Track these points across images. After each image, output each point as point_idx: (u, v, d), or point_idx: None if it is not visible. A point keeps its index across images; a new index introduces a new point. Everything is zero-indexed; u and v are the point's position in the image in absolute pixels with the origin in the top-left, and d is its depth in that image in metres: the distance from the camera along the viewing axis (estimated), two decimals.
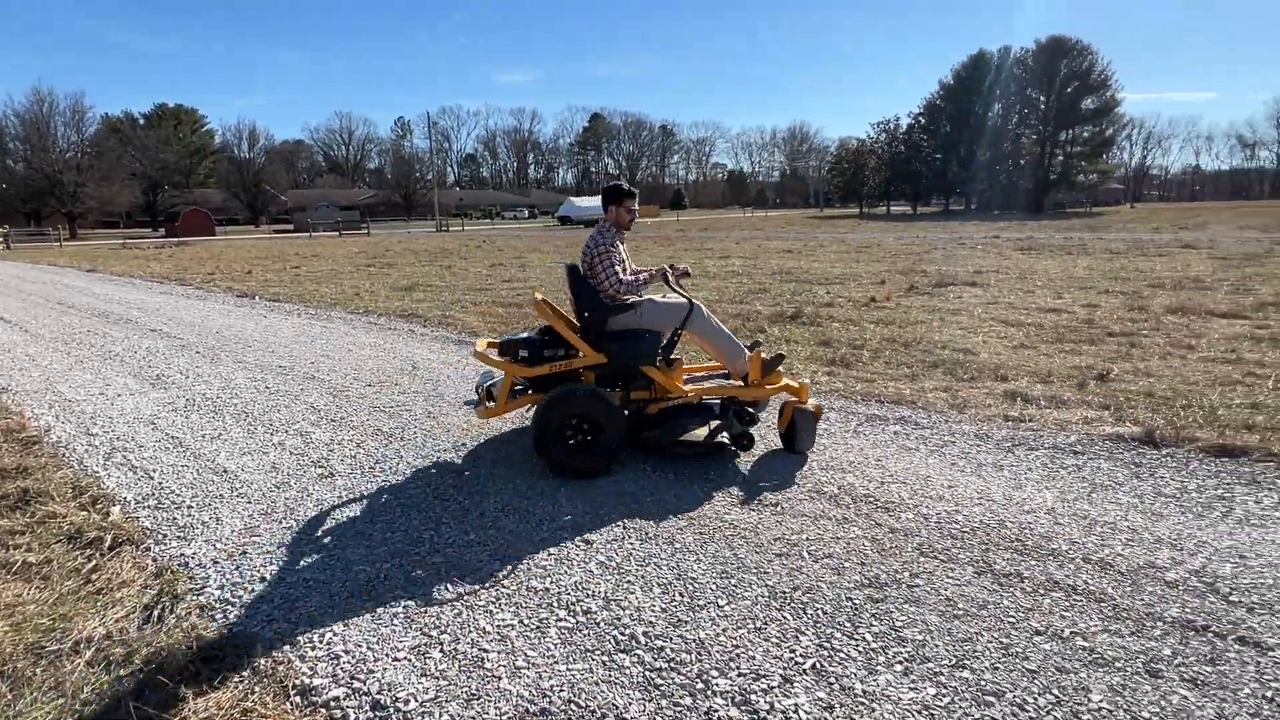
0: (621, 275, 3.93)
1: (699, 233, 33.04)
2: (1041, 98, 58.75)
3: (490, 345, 4.22)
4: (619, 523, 3.19)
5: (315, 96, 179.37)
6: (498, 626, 2.43)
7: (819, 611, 2.45)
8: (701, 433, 3.86)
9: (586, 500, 3.44)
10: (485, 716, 2.01)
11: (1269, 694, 1.99)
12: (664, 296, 4.18)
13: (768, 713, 1.98)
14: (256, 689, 2.15)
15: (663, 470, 3.78)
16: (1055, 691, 2.02)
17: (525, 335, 4.04)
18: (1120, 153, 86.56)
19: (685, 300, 3.97)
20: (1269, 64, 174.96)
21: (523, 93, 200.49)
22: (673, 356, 4.00)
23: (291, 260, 21.57)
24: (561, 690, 2.10)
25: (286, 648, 2.35)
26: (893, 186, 66.03)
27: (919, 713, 1.96)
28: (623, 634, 2.37)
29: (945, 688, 2.05)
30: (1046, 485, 3.48)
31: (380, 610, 2.55)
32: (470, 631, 2.40)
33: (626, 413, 3.95)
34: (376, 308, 10.74)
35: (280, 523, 3.30)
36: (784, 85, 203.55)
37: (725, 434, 3.85)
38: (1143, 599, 2.46)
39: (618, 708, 2.03)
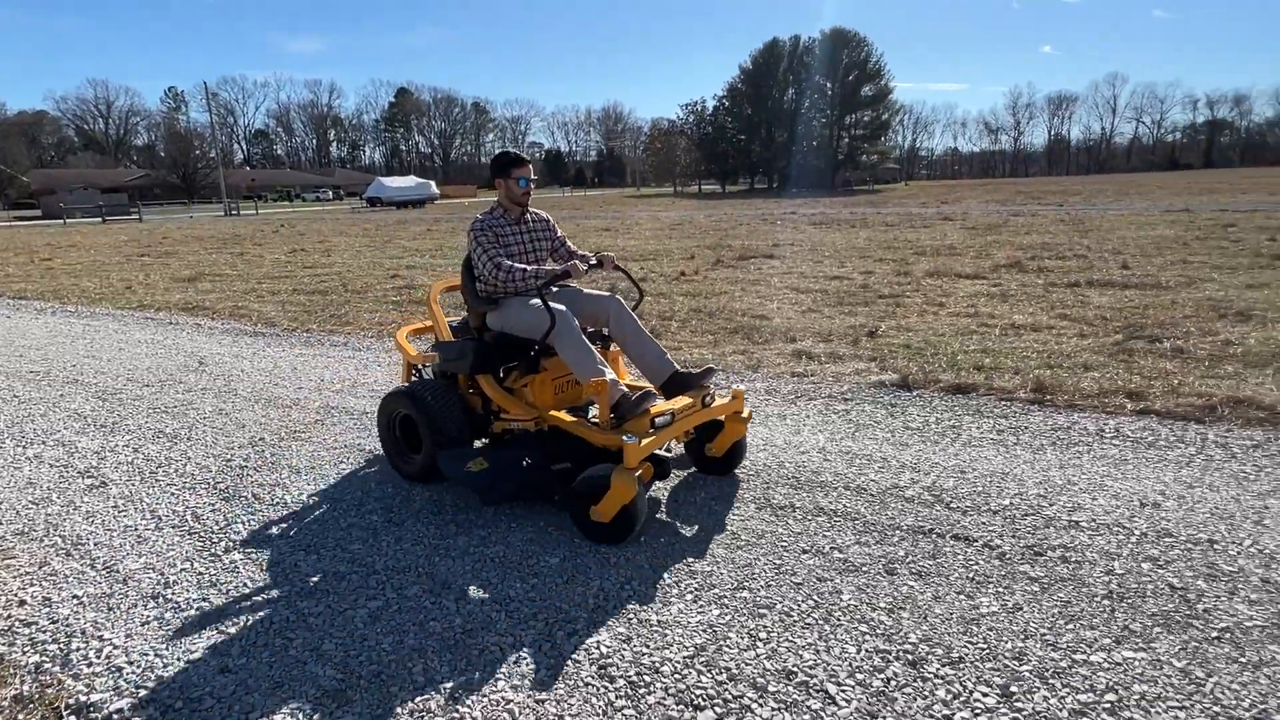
0: (501, 261, 3.20)
1: None
2: (828, 84, 64.11)
3: (415, 331, 4.09)
4: (431, 501, 3.22)
5: (58, 60, 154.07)
6: (303, 615, 2.38)
7: (621, 559, 2.66)
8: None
9: (397, 483, 3.42)
10: (291, 699, 1.99)
11: (971, 575, 2.47)
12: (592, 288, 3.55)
13: (573, 651, 2.15)
14: (20, 715, 1.96)
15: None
16: (815, 597, 2.37)
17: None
18: (895, 136, 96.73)
19: (547, 310, 3.06)
20: (1006, 61, 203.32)
21: (317, 63, 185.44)
22: (543, 368, 3.26)
23: (41, 252, 18.61)
24: (370, 665, 2.13)
25: (57, 668, 2.16)
26: (704, 166, 69.14)
27: (704, 631, 2.22)
28: (433, 603, 2.42)
29: (727, 608, 2.34)
30: (820, 429, 3.97)
31: (169, 614, 2.40)
32: (274, 622, 2.34)
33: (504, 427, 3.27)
34: (153, 302, 9.63)
35: (42, 541, 2.96)
36: (597, 64, 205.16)
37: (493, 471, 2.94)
38: (887, 514, 2.92)
39: (429, 670, 2.09)
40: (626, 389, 3.02)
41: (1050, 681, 1.95)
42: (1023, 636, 2.14)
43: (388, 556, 2.75)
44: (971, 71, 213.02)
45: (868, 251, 12.76)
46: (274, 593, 2.52)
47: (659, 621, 2.28)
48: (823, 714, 1.87)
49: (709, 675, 2.02)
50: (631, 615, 2.32)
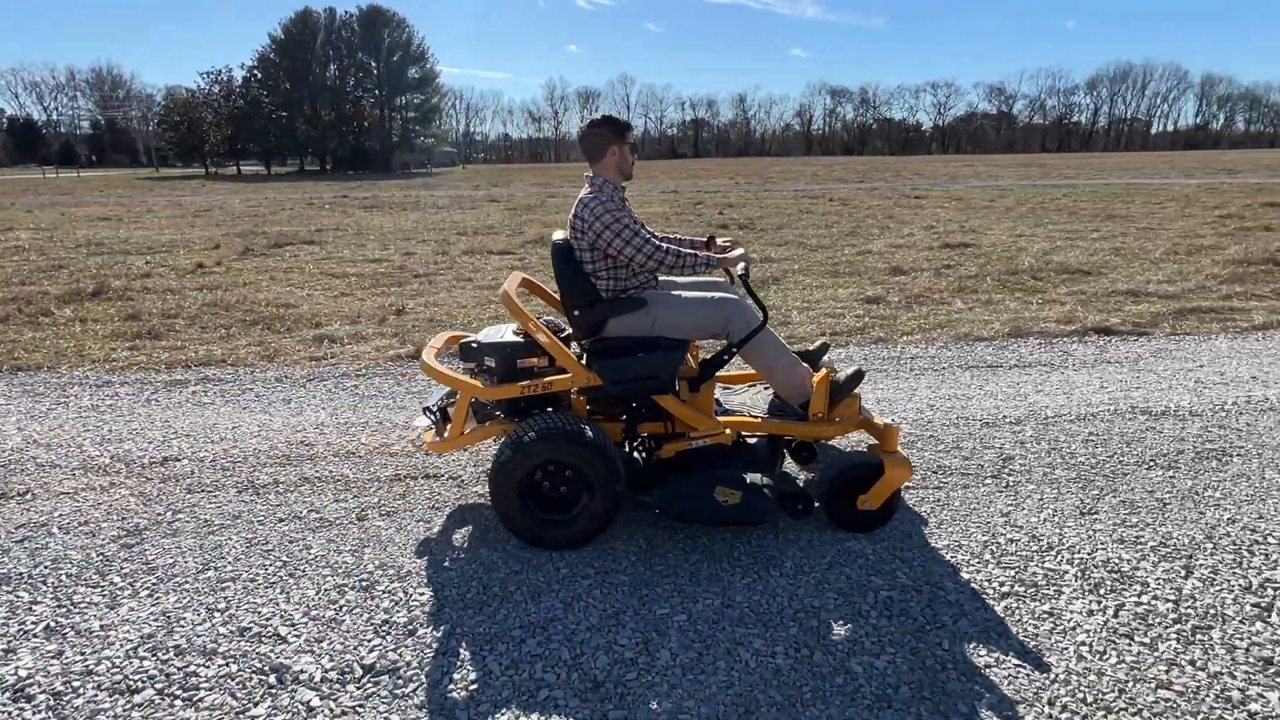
0: (661, 244, 2.69)
1: None
2: (373, 63, 62.15)
3: (455, 341, 3.00)
4: None
5: None
6: None
7: (61, 577, 2.43)
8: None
9: None
10: None
11: (433, 504, 2.89)
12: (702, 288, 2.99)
13: None
14: None
15: None
16: (284, 553, 2.52)
17: (499, 337, 2.78)
18: (450, 120, 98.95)
19: (739, 299, 2.76)
20: (541, 55, 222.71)
21: None
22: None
23: None
24: None
25: None
26: (240, 145, 61.17)
27: (157, 619, 2.19)
28: None
29: (187, 590, 2.34)
30: (324, 406, 4.08)
31: None
32: None
33: (636, 454, 2.85)
34: None
35: None
36: (78, 16, 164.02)
37: (766, 491, 2.53)
38: (370, 470, 3.20)
39: None
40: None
41: (462, 570, 2.45)
42: (463, 542, 2.62)
43: None
44: (513, 62, 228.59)
45: (413, 234, 13.02)
46: None
47: (101, 625, 2.17)
48: (271, 653, 2.05)
49: (153, 658, 2.03)
50: (68, 629, 2.16)
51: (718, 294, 2.81)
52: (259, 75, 60.35)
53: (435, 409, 2.87)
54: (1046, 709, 1.83)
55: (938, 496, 2.93)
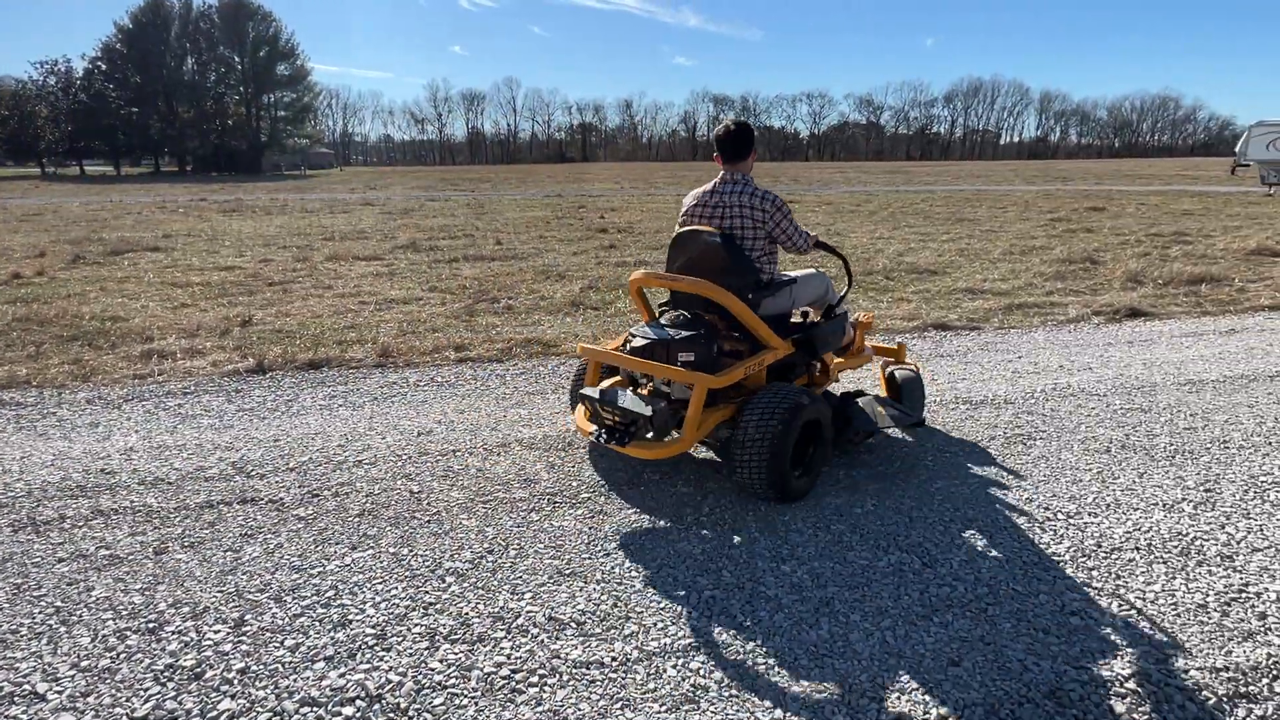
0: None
1: None
2: (236, 58, 58.30)
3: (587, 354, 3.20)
4: None
5: None
6: None
7: None
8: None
9: None
10: None
11: (244, 531, 2.68)
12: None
13: None
14: None
15: None
16: (59, 604, 2.25)
17: (678, 331, 2.98)
18: (325, 120, 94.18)
19: (849, 273, 3.76)
20: (424, 55, 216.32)
21: None
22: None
23: None
24: None
25: None
26: (83, 142, 55.70)
27: None
28: None
29: None
30: (137, 430, 3.71)
31: None
32: None
33: None
34: None
35: None
36: None
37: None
38: (179, 497, 2.93)
39: None
40: None
41: (282, 599, 2.28)
42: (273, 570, 2.44)
43: None
44: (394, 62, 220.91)
45: (275, 239, 12.27)
46: None
47: None
48: (23, 716, 1.81)
49: None
50: None
51: (816, 269, 3.53)
52: (104, 67, 55.25)
53: (617, 417, 2.88)
54: (849, 695, 1.89)
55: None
